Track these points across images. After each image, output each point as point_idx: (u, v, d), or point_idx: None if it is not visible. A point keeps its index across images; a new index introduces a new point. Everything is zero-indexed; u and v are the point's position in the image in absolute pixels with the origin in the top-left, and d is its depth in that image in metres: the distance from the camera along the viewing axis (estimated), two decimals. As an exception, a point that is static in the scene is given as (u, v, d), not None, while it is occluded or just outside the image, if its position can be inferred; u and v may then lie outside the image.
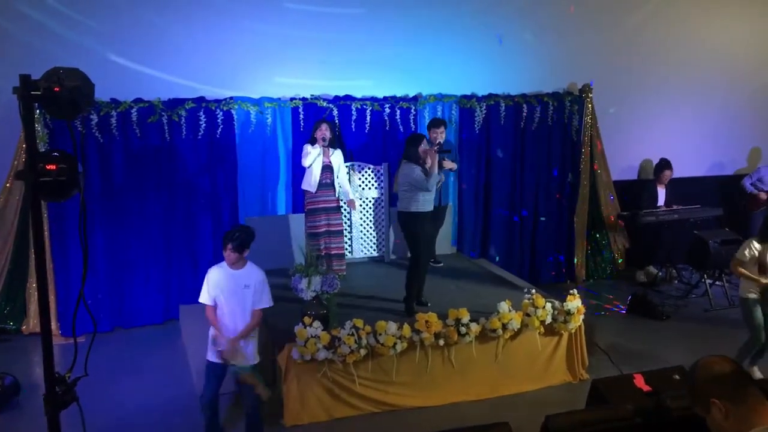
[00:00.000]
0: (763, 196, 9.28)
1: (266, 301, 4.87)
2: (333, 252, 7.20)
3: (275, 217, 7.81)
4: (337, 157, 7.16)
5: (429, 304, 6.19)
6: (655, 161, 9.18)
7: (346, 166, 7.82)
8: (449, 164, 7.49)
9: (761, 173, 9.43)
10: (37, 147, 2.50)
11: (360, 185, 7.96)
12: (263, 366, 5.07)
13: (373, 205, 8.08)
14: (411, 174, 6.12)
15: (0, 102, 6.69)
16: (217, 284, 4.78)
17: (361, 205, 8.01)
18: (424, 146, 6.17)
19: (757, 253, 5.78)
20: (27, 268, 7.05)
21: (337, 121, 7.81)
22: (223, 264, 4.83)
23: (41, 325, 2.59)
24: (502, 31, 8.52)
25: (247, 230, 4.83)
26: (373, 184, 8.02)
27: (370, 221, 8.09)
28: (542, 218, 8.86)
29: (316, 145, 6.96)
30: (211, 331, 4.78)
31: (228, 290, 4.76)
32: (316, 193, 7.04)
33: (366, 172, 7.97)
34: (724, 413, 2.25)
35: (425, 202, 6.18)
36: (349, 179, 7.86)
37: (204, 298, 4.81)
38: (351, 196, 7.47)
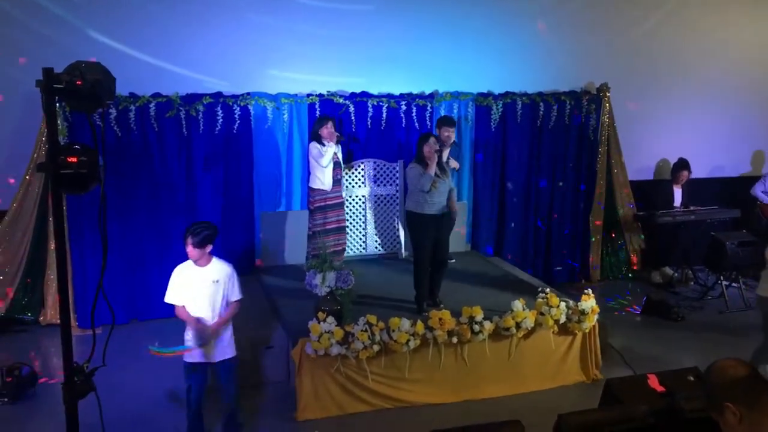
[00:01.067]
0: None
1: (238, 293, 4.85)
2: (339, 248, 7.22)
3: (290, 212, 7.85)
4: (340, 153, 7.19)
5: (442, 306, 6.12)
6: (672, 161, 9.12)
7: (362, 162, 7.85)
8: (453, 163, 7.45)
9: None
10: (58, 140, 2.53)
11: (375, 181, 7.98)
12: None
13: (386, 201, 8.09)
14: (409, 173, 6.21)
15: (20, 95, 6.81)
16: (183, 283, 4.72)
17: (375, 202, 8.03)
18: (429, 147, 6.17)
19: None
20: (45, 259, 7.14)
21: (353, 118, 7.83)
22: (188, 262, 4.76)
23: (61, 316, 2.63)
24: (521, 28, 8.48)
25: (209, 225, 4.74)
26: (387, 181, 8.03)
27: (384, 218, 8.10)
28: (555, 216, 8.83)
29: (329, 142, 6.95)
30: (188, 332, 4.75)
31: (196, 288, 4.70)
32: (330, 190, 7.05)
33: (381, 168, 7.98)
34: (738, 418, 2.24)
35: (428, 204, 6.15)
36: (364, 175, 7.90)
37: (170, 298, 4.74)
38: (344, 194, 7.48)
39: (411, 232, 6.36)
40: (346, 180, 7.79)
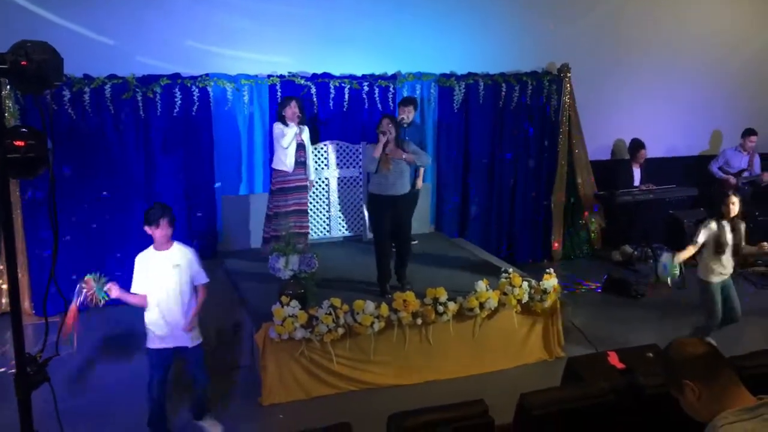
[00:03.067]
0: (732, 180, 9.23)
1: (203, 277, 4.79)
2: (302, 231, 7.15)
3: (252, 195, 7.75)
4: (306, 135, 7.09)
5: (409, 287, 6.09)
6: (628, 141, 9.24)
7: (323, 144, 7.78)
8: (418, 183, 7.32)
9: (727, 156, 9.40)
10: (4, 123, 2.43)
11: (338, 164, 7.92)
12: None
13: (350, 184, 8.05)
14: (364, 154, 6.17)
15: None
16: (146, 269, 4.63)
17: (338, 184, 7.97)
18: (379, 127, 6.15)
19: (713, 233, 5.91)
20: (-2, 246, 6.94)
21: (315, 99, 7.74)
22: (149, 250, 4.68)
23: (11, 305, 2.54)
24: (483, 9, 8.45)
25: (165, 205, 4.69)
26: (350, 163, 7.98)
27: (348, 200, 8.06)
28: (518, 197, 8.90)
29: (291, 123, 6.85)
30: (148, 317, 4.67)
31: (158, 273, 4.62)
32: (292, 172, 6.96)
33: (343, 150, 7.92)
34: (697, 394, 2.26)
35: (384, 185, 6.13)
36: (327, 158, 7.83)
37: (137, 287, 4.65)
38: (312, 177, 7.38)
39: (370, 213, 6.38)
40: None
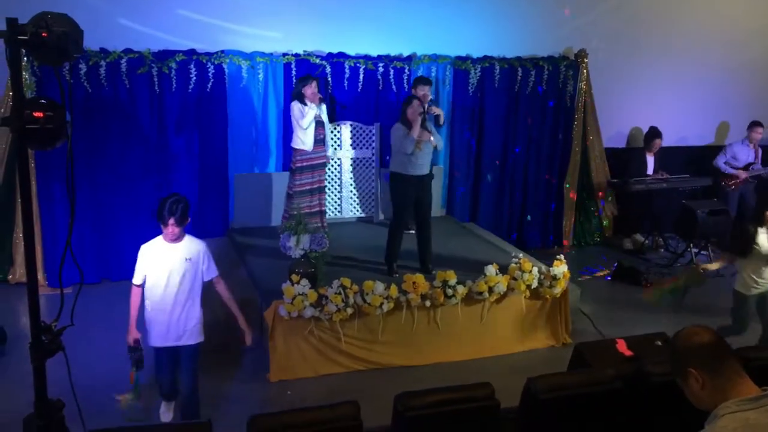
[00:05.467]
0: (741, 175, 9.03)
1: (214, 271, 4.58)
2: (321, 209, 7.18)
3: (265, 174, 7.77)
4: (324, 112, 7.08)
5: (434, 272, 5.99)
6: (645, 129, 9.17)
7: (337, 125, 7.77)
8: (436, 110, 7.22)
9: (734, 150, 9.13)
10: (23, 93, 2.45)
11: (351, 144, 7.92)
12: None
13: (363, 165, 8.05)
14: (393, 135, 6.18)
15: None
16: (153, 261, 4.40)
17: (351, 165, 7.98)
18: (412, 109, 6.11)
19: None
20: (13, 217, 7.00)
21: (329, 79, 7.73)
22: (157, 239, 4.43)
23: (27, 275, 2.58)
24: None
25: (182, 198, 4.35)
26: (363, 144, 7.97)
27: (360, 181, 8.07)
28: (530, 182, 8.88)
29: (310, 102, 6.83)
30: (149, 313, 4.45)
31: (168, 267, 4.38)
32: (312, 150, 6.95)
33: (357, 131, 7.91)
34: (700, 383, 2.26)
35: (412, 165, 6.13)
36: (340, 138, 7.83)
37: (138, 279, 4.44)
38: (329, 154, 7.39)
39: (393, 192, 6.32)
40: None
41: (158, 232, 4.48)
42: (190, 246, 4.47)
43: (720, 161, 9.17)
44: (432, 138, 6.25)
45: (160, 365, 4.62)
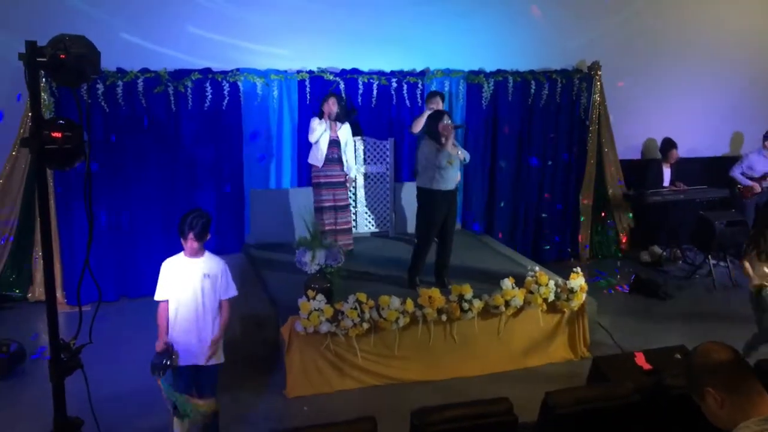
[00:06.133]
0: (757, 187, 8.92)
1: (233, 290, 4.54)
2: (340, 227, 7.19)
3: (280, 190, 7.81)
4: (344, 132, 7.10)
5: (450, 287, 5.98)
6: (659, 140, 9.12)
7: (352, 140, 7.79)
8: (462, 154, 7.35)
9: (750, 161, 9.03)
10: (42, 114, 2.49)
11: (365, 159, 7.95)
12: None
13: (377, 180, 8.07)
14: (423, 149, 6.17)
15: (6, 70, 6.69)
16: (174, 276, 4.40)
17: (365, 180, 8.00)
18: (443, 124, 6.07)
19: None
20: (33, 235, 7.08)
21: (343, 95, 7.77)
22: (178, 255, 4.45)
23: (46, 293, 2.61)
24: (513, 5, 8.39)
25: (202, 213, 4.39)
26: (378, 159, 8.00)
27: (375, 196, 8.09)
28: (546, 195, 8.85)
29: (323, 119, 6.90)
30: (170, 334, 4.41)
31: (187, 282, 4.38)
32: (322, 167, 7.01)
33: (371, 146, 7.94)
34: (719, 402, 2.21)
35: (443, 181, 6.10)
36: (354, 153, 7.85)
37: (161, 295, 4.42)
38: (352, 174, 7.40)
39: (422, 208, 6.29)
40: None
41: (176, 249, 4.52)
42: (210, 263, 4.47)
43: (736, 171, 9.09)
44: (459, 152, 6.26)
45: (178, 383, 4.54)
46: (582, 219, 9.08)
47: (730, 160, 9.46)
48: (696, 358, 2.34)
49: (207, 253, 4.50)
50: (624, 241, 9.37)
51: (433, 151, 6.04)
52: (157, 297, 4.46)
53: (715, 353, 2.29)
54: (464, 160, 6.36)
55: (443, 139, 6.04)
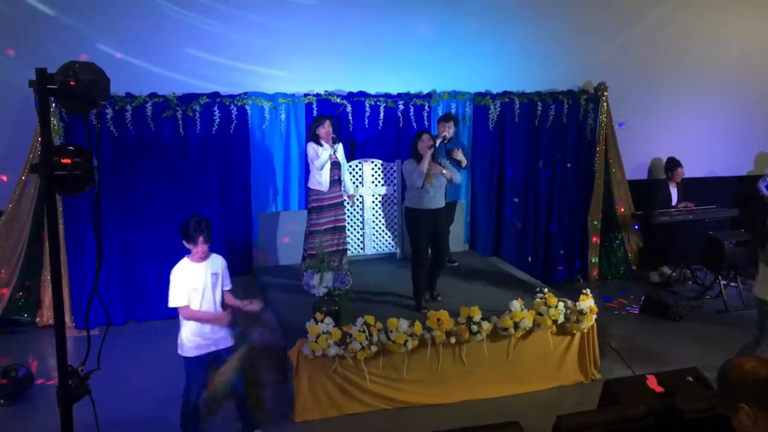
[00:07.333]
0: None
1: (228, 283, 4.87)
2: (341, 247, 7.17)
3: (287, 213, 7.83)
4: (340, 152, 7.11)
5: (440, 298, 6.15)
6: (664, 160, 9.12)
7: (358, 162, 7.82)
8: (458, 155, 7.41)
9: None
10: (52, 141, 2.51)
11: (372, 182, 7.96)
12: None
13: (385, 202, 8.07)
14: (405, 169, 6.28)
15: (16, 96, 6.78)
16: (188, 282, 4.63)
17: (372, 202, 8.01)
18: (422, 143, 6.18)
19: None
20: (41, 260, 7.12)
21: (350, 118, 7.81)
22: (185, 261, 4.71)
23: (55, 318, 2.61)
24: (518, 27, 8.45)
25: (202, 218, 4.68)
26: (385, 181, 8.01)
27: (382, 218, 8.09)
28: (554, 216, 8.84)
29: (324, 143, 6.88)
30: (192, 327, 4.67)
31: (202, 284, 4.66)
32: (328, 190, 6.98)
33: (378, 168, 7.96)
34: (752, 419, 2.16)
35: (425, 199, 6.18)
36: (362, 175, 7.87)
37: (176, 300, 4.62)
38: (351, 191, 7.40)
39: (408, 228, 6.38)
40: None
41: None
42: (215, 262, 4.78)
43: (762, 186, 9.42)
44: (444, 171, 6.29)
45: (194, 375, 4.73)
46: (591, 239, 9.04)
47: (752, 179, 9.50)
48: (733, 372, 2.26)
49: (212, 253, 4.77)
50: (633, 261, 9.33)
51: (410, 171, 6.15)
52: (174, 303, 4.63)
53: (752, 368, 2.22)
54: (451, 179, 6.38)
55: (420, 159, 6.14)
